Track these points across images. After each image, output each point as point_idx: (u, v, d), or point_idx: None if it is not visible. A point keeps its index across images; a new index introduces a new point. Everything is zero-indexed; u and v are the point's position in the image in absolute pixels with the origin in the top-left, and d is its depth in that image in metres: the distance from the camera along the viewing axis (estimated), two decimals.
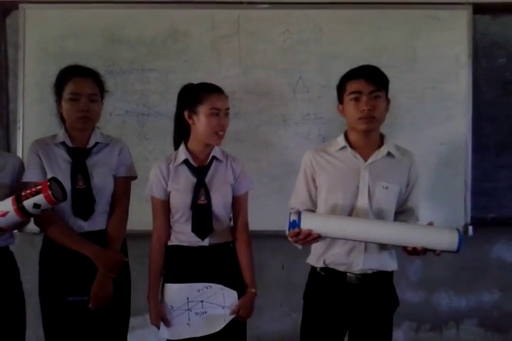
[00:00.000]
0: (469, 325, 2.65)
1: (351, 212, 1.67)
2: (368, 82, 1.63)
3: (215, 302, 1.71)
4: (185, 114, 1.75)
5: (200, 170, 1.75)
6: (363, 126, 1.65)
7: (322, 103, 2.42)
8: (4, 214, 1.56)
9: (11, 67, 2.48)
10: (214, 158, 1.77)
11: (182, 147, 1.78)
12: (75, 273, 1.75)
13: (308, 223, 1.55)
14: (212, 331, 1.69)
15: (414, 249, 1.53)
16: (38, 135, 1.87)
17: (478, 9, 2.42)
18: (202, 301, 1.70)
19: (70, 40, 2.41)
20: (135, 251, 1.94)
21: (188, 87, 1.80)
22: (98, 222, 1.80)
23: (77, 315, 1.74)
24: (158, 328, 1.73)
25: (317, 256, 1.72)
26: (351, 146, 1.70)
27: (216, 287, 1.71)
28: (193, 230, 1.73)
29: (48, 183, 1.54)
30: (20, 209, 1.54)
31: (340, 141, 1.72)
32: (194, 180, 1.74)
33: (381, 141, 1.72)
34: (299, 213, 1.56)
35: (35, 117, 2.38)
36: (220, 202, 1.74)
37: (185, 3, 2.42)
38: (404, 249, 1.57)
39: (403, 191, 1.71)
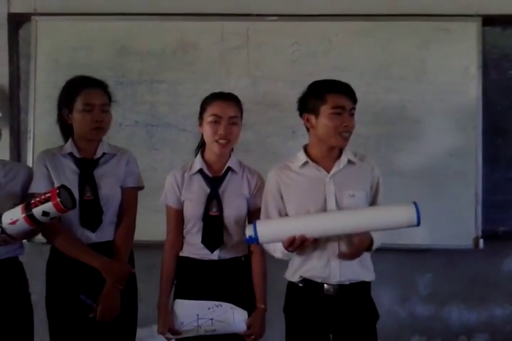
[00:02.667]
0: (481, 339, 2.60)
1: None
2: (348, 98, 1.64)
3: (225, 321, 1.68)
4: (198, 122, 1.77)
5: (214, 180, 1.74)
6: (340, 143, 1.65)
7: None
8: (14, 222, 1.57)
9: (22, 78, 2.51)
10: (229, 168, 1.76)
11: (198, 156, 1.78)
12: (82, 283, 1.74)
13: (264, 232, 1.55)
14: None
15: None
16: (48, 145, 1.88)
17: (487, 21, 2.42)
18: (212, 319, 1.68)
19: (81, 52, 2.44)
20: (142, 262, 1.93)
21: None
22: (106, 232, 1.80)
23: (84, 325, 1.73)
24: (164, 336, 1.72)
25: (293, 270, 1.70)
26: (313, 160, 1.69)
27: (226, 306, 1.68)
28: (203, 242, 1.71)
29: (57, 191, 1.54)
30: (30, 217, 1.55)
31: (301, 156, 1.70)
32: (208, 190, 1.73)
33: (339, 151, 1.70)
34: (254, 225, 1.55)
35: (46, 128, 2.40)
36: (232, 215, 1.72)
37: (194, 16, 2.45)
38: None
39: (369, 195, 1.70)
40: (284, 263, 1.66)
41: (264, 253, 1.76)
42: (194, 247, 1.74)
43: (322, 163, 1.69)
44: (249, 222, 1.77)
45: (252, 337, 1.71)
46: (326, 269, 1.64)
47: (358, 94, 1.77)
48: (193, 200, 1.73)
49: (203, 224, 1.71)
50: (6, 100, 2.47)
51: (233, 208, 1.73)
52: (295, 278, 1.70)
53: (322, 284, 1.65)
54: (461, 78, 2.42)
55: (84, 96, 1.75)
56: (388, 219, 1.54)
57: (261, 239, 1.55)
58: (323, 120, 1.64)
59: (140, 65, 2.44)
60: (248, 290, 1.74)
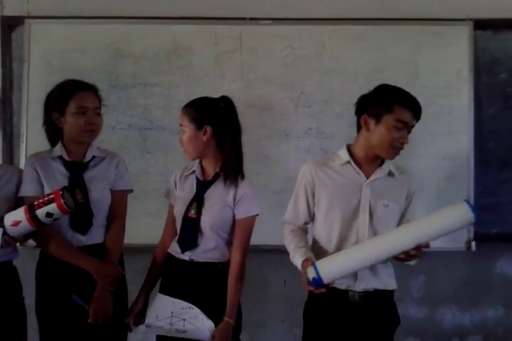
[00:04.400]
0: None
1: (351, 228, 1.65)
2: (414, 116, 1.64)
3: (195, 325, 1.67)
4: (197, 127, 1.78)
5: (202, 184, 1.75)
6: (390, 156, 1.67)
7: (324, 117, 2.43)
8: (17, 224, 1.57)
9: (15, 81, 2.50)
10: (217, 174, 1.75)
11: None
12: (73, 286, 1.73)
13: (327, 274, 1.49)
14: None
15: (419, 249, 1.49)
16: (41, 149, 1.88)
17: (479, 25, 2.44)
18: (184, 319, 1.67)
19: (74, 55, 2.43)
20: (133, 265, 1.93)
21: None
22: (96, 235, 1.80)
23: (74, 328, 1.72)
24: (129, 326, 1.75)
25: None
26: (355, 162, 1.69)
27: (196, 310, 1.67)
28: (178, 241, 1.74)
29: (61, 192, 1.55)
30: (33, 218, 1.55)
31: (344, 155, 1.70)
32: (194, 192, 1.75)
33: (381, 159, 1.71)
34: (314, 267, 1.49)
35: (39, 131, 2.35)
36: (208, 220, 1.70)
37: (188, 19, 2.44)
38: (397, 258, 1.54)
39: (402, 209, 1.71)
40: (279, 267, 1.66)
41: (240, 265, 1.71)
42: (174, 244, 1.77)
43: (363, 167, 1.69)
44: (234, 232, 1.73)
45: None
46: (353, 277, 1.62)
47: (350, 98, 1.78)
48: (181, 199, 1.76)
49: (180, 225, 1.74)
50: None
51: (211, 214, 1.71)
52: None
53: (346, 291, 1.64)
54: (452, 81, 2.43)
55: (77, 100, 1.75)
56: (447, 224, 1.49)
57: (325, 280, 1.49)
58: (383, 129, 1.63)
59: (134, 68, 2.44)
60: (220, 299, 1.69)
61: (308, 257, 1.58)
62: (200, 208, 1.71)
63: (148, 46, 2.44)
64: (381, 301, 1.67)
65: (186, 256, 1.72)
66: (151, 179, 2.26)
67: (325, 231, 1.70)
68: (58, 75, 2.31)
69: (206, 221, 1.71)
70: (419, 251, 1.50)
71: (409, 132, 1.66)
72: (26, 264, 1.85)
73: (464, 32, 2.43)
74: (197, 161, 1.79)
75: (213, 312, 1.66)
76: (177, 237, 1.76)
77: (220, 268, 1.72)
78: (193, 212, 1.71)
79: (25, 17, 2.45)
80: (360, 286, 1.63)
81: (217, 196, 1.73)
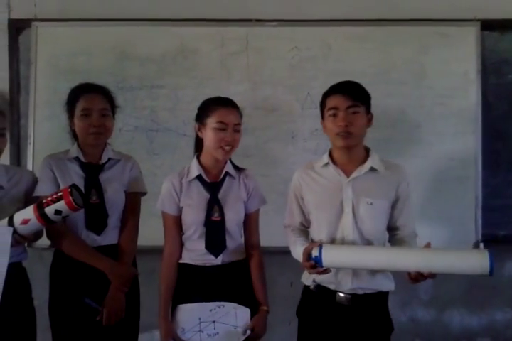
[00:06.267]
0: None
1: (337, 229, 1.64)
2: (345, 97, 1.61)
3: (227, 323, 1.67)
4: (196, 126, 1.76)
5: (213, 185, 1.74)
6: (340, 142, 1.63)
7: None
8: (26, 222, 1.57)
9: (22, 84, 2.51)
10: (227, 173, 1.76)
11: (194, 161, 1.77)
12: (87, 286, 1.74)
13: (329, 258, 1.51)
14: None
15: (421, 274, 1.46)
16: (48, 151, 1.89)
17: (486, 26, 2.43)
18: (214, 321, 1.67)
19: (81, 57, 2.45)
20: (144, 267, 1.93)
21: (204, 100, 1.79)
22: (110, 236, 1.81)
23: (87, 330, 1.73)
24: None
25: (308, 274, 1.70)
26: (334, 163, 1.69)
27: (229, 306, 1.68)
28: (207, 247, 1.71)
29: (69, 190, 1.56)
30: (42, 216, 1.56)
31: (325, 157, 1.71)
32: (207, 195, 1.73)
33: (367, 155, 1.69)
34: (320, 247, 1.52)
35: (46, 133, 2.41)
36: (233, 218, 1.73)
37: (194, 21, 2.45)
38: (409, 275, 1.51)
39: (391, 208, 1.67)
40: (286, 268, 1.67)
41: (262, 256, 1.79)
42: (195, 253, 1.73)
43: (344, 167, 1.68)
44: (246, 225, 1.79)
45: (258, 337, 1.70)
46: (338, 275, 1.63)
47: None
48: (193, 206, 1.72)
49: (205, 230, 1.71)
50: (6, 105, 2.46)
51: (234, 212, 1.73)
52: (309, 282, 1.70)
53: (335, 292, 1.64)
54: (460, 82, 2.42)
55: (82, 102, 1.77)
56: (459, 265, 1.44)
57: (324, 262, 1.51)
58: (325, 123, 1.67)
59: (140, 71, 2.45)
60: (250, 292, 1.74)
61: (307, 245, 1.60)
62: (222, 209, 1.71)
63: (155, 48, 2.45)
64: (371, 306, 1.64)
65: (219, 261, 1.71)
66: (158, 181, 2.25)
67: (316, 233, 1.72)
68: (65, 78, 2.36)
69: (232, 220, 1.72)
70: (420, 276, 1.47)
71: (354, 113, 1.62)
72: (34, 266, 1.85)
73: (471, 33, 2.42)
74: (194, 165, 1.76)
75: (246, 304, 1.70)
76: (202, 244, 1.71)
77: (244, 264, 1.76)
78: (216, 214, 1.70)
79: (32, 20, 2.47)
80: (346, 286, 1.62)
81: (234, 194, 1.75)
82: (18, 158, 2.49)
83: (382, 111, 2.43)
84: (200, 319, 1.67)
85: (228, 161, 1.79)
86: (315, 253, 1.52)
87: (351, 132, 1.61)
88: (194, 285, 1.73)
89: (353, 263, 1.53)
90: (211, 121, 1.69)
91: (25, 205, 1.66)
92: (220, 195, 1.73)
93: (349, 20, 2.45)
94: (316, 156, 2.39)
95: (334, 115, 1.62)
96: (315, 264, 1.52)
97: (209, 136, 1.70)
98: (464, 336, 2.60)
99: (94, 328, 1.72)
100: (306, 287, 1.73)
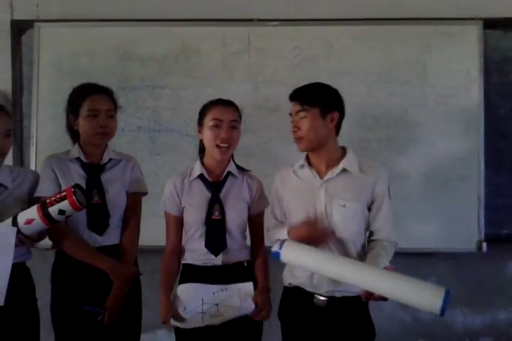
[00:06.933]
0: None
1: None
2: (294, 102, 1.65)
3: (232, 305, 1.64)
4: (197, 129, 1.77)
5: (215, 185, 1.74)
6: (297, 147, 1.67)
7: None
8: (30, 222, 1.58)
9: (25, 84, 2.53)
10: (229, 173, 1.77)
11: (198, 162, 1.78)
12: (89, 287, 1.74)
13: (288, 255, 1.48)
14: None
15: (371, 294, 1.41)
16: (51, 151, 1.89)
17: (488, 24, 2.43)
18: (217, 304, 1.64)
19: (83, 58, 2.45)
20: (145, 267, 1.93)
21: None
22: (112, 236, 1.81)
23: (89, 330, 1.73)
24: (168, 325, 1.66)
25: (285, 275, 1.69)
26: (310, 164, 1.68)
27: (233, 288, 1.65)
28: (206, 246, 1.71)
29: (73, 189, 1.56)
30: (46, 215, 1.56)
31: (301, 158, 1.71)
32: (209, 195, 1.73)
33: (342, 156, 1.67)
34: (282, 242, 1.49)
35: (49, 133, 2.42)
36: (234, 218, 1.72)
37: (196, 21, 2.46)
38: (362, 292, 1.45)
39: (366, 209, 1.64)
40: (283, 269, 1.66)
41: (267, 257, 1.76)
42: (197, 253, 1.73)
43: (319, 168, 1.67)
44: (251, 227, 1.79)
45: (263, 312, 1.63)
46: (313, 277, 1.60)
47: (359, 98, 1.77)
48: (194, 205, 1.73)
49: (205, 229, 1.71)
50: (9, 106, 2.47)
51: (235, 212, 1.73)
52: (286, 284, 1.69)
53: (312, 294, 1.62)
54: (462, 81, 2.42)
55: (89, 102, 1.77)
56: (411, 296, 1.35)
57: (282, 257, 1.48)
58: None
59: (142, 71, 2.46)
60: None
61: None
62: (223, 209, 1.71)
63: (157, 48, 2.45)
64: (350, 310, 1.61)
65: (219, 260, 1.71)
66: (160, 181, 2.26)
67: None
68: (68, 78, 2.36)
69: (232, 220, 1.72)
70: (370, 296, 1.42)
71: (296, 116, 1.65)
72: (37, 266, 1.86)
73: (473, 31, 2.42)
74: (197, 165, 1.77)
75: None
76: (203, 243, 1.71)
77: (246, 267, 1.75)
78: (217, 213, 1.70)
79: (34, 20, 2.49)
80: (322, 289, 1.59)
81: (236, 193, 1.75)
82: (21, 158, 2.50)
83: (385, 110, 2.44)
84: (203, 300, 1.65)
85: (231, 161, 1.79)
86: (276, 247, 1.49)
87: (301, 137, 1.63)
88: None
89: (310, 266, 1.49)
90: (207, 120, 1.71)
91: (29, 205, 1.66)
92: (222, 194, 1.73)
93: (351, 19, 2.45)
94: None
95: (292, 121, 1.67)
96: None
97: (206, 135, 1.71)
98: (467, 335, 2.59)
99: (97, 329, 1.72)
100: (286, 288, 1.72)
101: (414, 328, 1.73)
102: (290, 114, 1.68)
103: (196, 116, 1.79)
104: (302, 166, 1.69)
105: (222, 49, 2.45)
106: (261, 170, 1.92)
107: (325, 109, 1.63)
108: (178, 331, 1.71)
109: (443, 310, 1.30)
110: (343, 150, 1.69)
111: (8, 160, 2.39)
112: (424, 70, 2.43)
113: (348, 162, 1.64)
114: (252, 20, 2.45)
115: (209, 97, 1.82)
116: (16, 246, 1.60)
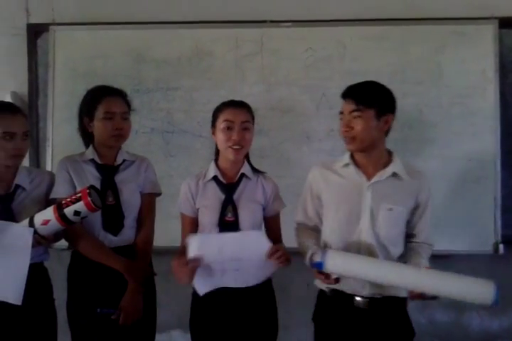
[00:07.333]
0: None
1: (353, 232, 1.62)
2: (349, 101, 1.61)
3: (250, 249, 1.59)
4: (211, 132, 1.78)
5: (228, 186, 1.75)
6: (347, 147, 1.65)
7: None
8: (46, 223, 1.60)
9: (41, 87, 2.56)
10: (243, 175, 1.77)
11: (212, 164, 1.79)
12: (104, 288, 1.76)
13: (333, 264, 1.47)
14: (245, 285, 1.60)
15: (422, 295, 1.44)
16: (67, 153, 1.91)
17: (504, 23, 2.39)
18: (236, 260, 1.59)
19: (97, 61, 2.48)
20: (160, 268, 1.94)
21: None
22: (126, 237, 1.83)
23: (105, 330, 1.75)
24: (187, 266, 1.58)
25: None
26: (356, 164, 1.66)
27: (250, 236, 1.61)
28: None
29: (88, 191, 1.58)
30: (62, 216, 1.58)
31: (346, 158, 1.69)
32: (222, 196, 1.74)
33: (389, 159, 1.66)
34: (324, 253, 1.48)
35: (65, 135, 2.44)
36: (247, 219, 1.72)
37: (209, 23, 2.47)
38: (411, 293, 1.48)
39: (409, 214, 1.64)
40: (302, 269, 1.65)
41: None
42: None
43: (365, 169, 1.65)
44: (267, 229, 1.79)
45: (279, 253, 1.58)
46: (358, 281, 1.58)
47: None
48: (209, 207, 1.73)
49: (218, 230, 1.71)
50: (25, 108, 2.50)
51: (248, 213, 1.73)
52: (323, 288, 1.67)
53: (352, 296, 1.61)
54: (478, 81, 2.39)
55: (105, 105, 1.78)
56: (464, 292, 1.42)
57: (326, 268, 1.47)
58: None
59: (156, 73, 2.47)
60: (269, 292, 1.73)
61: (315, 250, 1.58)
62: (236, 210, 1.71)
63: (170, 51, 2.47)
64: (390, 309, 1.62)
65: None
66: (174, 182, 2.28)
67: (329, 234, 1.69)
68: (83, 80, 2.39)
69: (246, 221, 1.71)
70: (421, 297, 1.46)
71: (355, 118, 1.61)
72: (53, 266, 1.88)
73: (488, 31, 2.39)
74: (211, 167, 1.78)
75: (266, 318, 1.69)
76: None
77: None
78: (230, 215, 1.70)
79: (50, 24, 2.52)
80: (364, 291, 1.59)
81: (250, 195, 1.75)
82: (37, 160, 2.53)
83: (399, 111, 2.38)
84: (221, 250, 1.58)
85: (246, 163, 1.80)
86: (317, 258, 1.49)
87: (353, 136, 1.60)
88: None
89: (356, 274, 1.49)
90: (219, 122, 1.72)
91: (46, 207, 1.68)
92: (235, 196, 1.74)
93: (364, 20, 2.44)
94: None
95: (341, 119, 1.64)
96: (328, 275, 1.50)
97: (219, 137, 1.72)
98: (484, 338, 2.55)
99: (112, 329, 1.73)
100: (322, 291, 1.71)
101: (430, 330, 1.72)
102: (340, 112, 1.65)
103: (209, 117, 1.80)
104: (347, 165, 1.67)
105: (235, 51, 2.46)
106: (274, 171, 1.92)
107: (380, 110, 1.61)
108: (194, 298, 1.71)
109: (497, 301, 1.39)
110: (389, 153, 1.69)
111: (25, 161, 2.42)
112: (438, 70, 2.40)
113: (397, 166, 1.64)
114: (264, 21, 2.45)
115: (222, 99, 1.82)
116: (33, 246, 1.62)
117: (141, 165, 1.89)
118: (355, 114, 1.59)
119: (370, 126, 1.60)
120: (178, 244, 1.82)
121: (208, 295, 1.62)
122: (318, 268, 1.48)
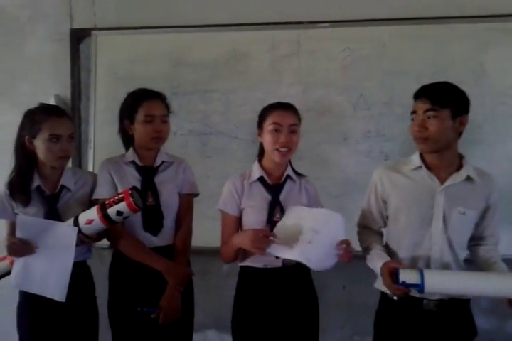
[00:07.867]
0: None
1: (424, 236, 1.60)
2: (423, 100, 1.57)
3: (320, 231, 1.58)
4: (257, 132, 1.80)
5: (274, 187, 1.76)
6: (418, 147, 1.61)
7: (384, 120, 2.38)
8: (90, 222, 1.66)
9: (83, 90, 2.63)
10: (288, 176, 1.78)
11: (256, 164, 1.80)
12: (145, 287, 1.80)
13: (432, 285, 1.44)
14: (307, 262, 1.55)
15: None
16: (108, 155, 1.96)
17: None
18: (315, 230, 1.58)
19: (138, 64, 2.53)
20: (197, 268, 1.96)
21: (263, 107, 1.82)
22: (166, 237, 1.86)
23: (145, 329, 1.78)
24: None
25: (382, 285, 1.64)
26: (427, 166, 1.63)
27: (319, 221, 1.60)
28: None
29: (130, 192, 1.62)
30: (105, 216, 1.63)
31: (416, 160, 1.65)
32: (269, 197, 1.74)
33: (460, 162, 1.63)
34: (421, 274, 1.45)
35: (106, 137, 2.51)
36: None
37: (246, 25, 2.48)
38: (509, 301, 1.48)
39: (479, 217, 1.63)
40: (338, 272, 1.64)
41: None
42: (256, 255, 1.69)
43: (436, 172, 1.62)
44: None
45: (350, 247, 1.58)
46: None
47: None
48: (256, 207, 1.74)
49: (268, 230, 1.69)
50: (68, 111, 2.58)
51: None
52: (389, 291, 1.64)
53: (421, 299, 1.59)
54: None
55: (145, 108, 1.82)
56: None
57: (427, 288, 1.45)
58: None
59: (194, 76, 2.50)
60: (312, 295, 1.74)
61: (387, 261, 1.56)
62: (283, 211, 1.71)
63: (207, 53, 2.50)
64: (457, 310, 1.61)
65: (279, 262, 1.69)
66: (211, 183, 2.30)
67: (396, 237, 1.67)
68: (123, 84, 2.43)
69: None
70: None
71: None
72: (94, 265, 1.93)
73: None
74: (255, 168, 1.79)
75: (309, 317, 1.72)
76: None
77: (305, 268, 1.70)
78: (277, 215, 1.71)
79: (92, 29, 2.59)
80: (434, 295, 1.57)
81: (294, 197, 1.76)
82: (79, 161, 2.61)
83: None
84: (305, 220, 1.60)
85: (289, 165, 1.81)
86: (414, 280, 1.44)
87: (426, 137, 1.56)
88: (255, 287, 1.72)
89: (457, 291, 1.49)
90: (267, 124, 1.72)
91: (89, 207, 1.73)
92: (282, 197, 1.74)
93: (404, 18, 2.39)
94: (368, 159, 2.38)
95: (413, 119, 1.61)
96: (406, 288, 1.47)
97: (266, 139, 1.73)
98: None
99: (151, 327, 1.77)
100: (384, 295, 1.67)
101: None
102: (413, 112, 1.62)
103: (246, 119, 1.81)
104: (418, 168, 1.64)
105: (271, 52, 2.46)
106: (311, 172, 1.91)
107: (456, 111, 1.58)
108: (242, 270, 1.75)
109: None
110: (460, 156, 1.66)
111: (67, 163, 2.51)
112: (481, 69, 2.33)
113: (469, 169, 1.62)
114: (301, 22, 2.45)
115: (258, 100, 1.84)
116: (77, 245, 1.67)
117: (180, 167, 1.92)
118: (430, 113, 1.56)
119: (446, 126, 1.57)
120: (214, 244, 1.84)
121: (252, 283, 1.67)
122: (417, 290, 1.45)
